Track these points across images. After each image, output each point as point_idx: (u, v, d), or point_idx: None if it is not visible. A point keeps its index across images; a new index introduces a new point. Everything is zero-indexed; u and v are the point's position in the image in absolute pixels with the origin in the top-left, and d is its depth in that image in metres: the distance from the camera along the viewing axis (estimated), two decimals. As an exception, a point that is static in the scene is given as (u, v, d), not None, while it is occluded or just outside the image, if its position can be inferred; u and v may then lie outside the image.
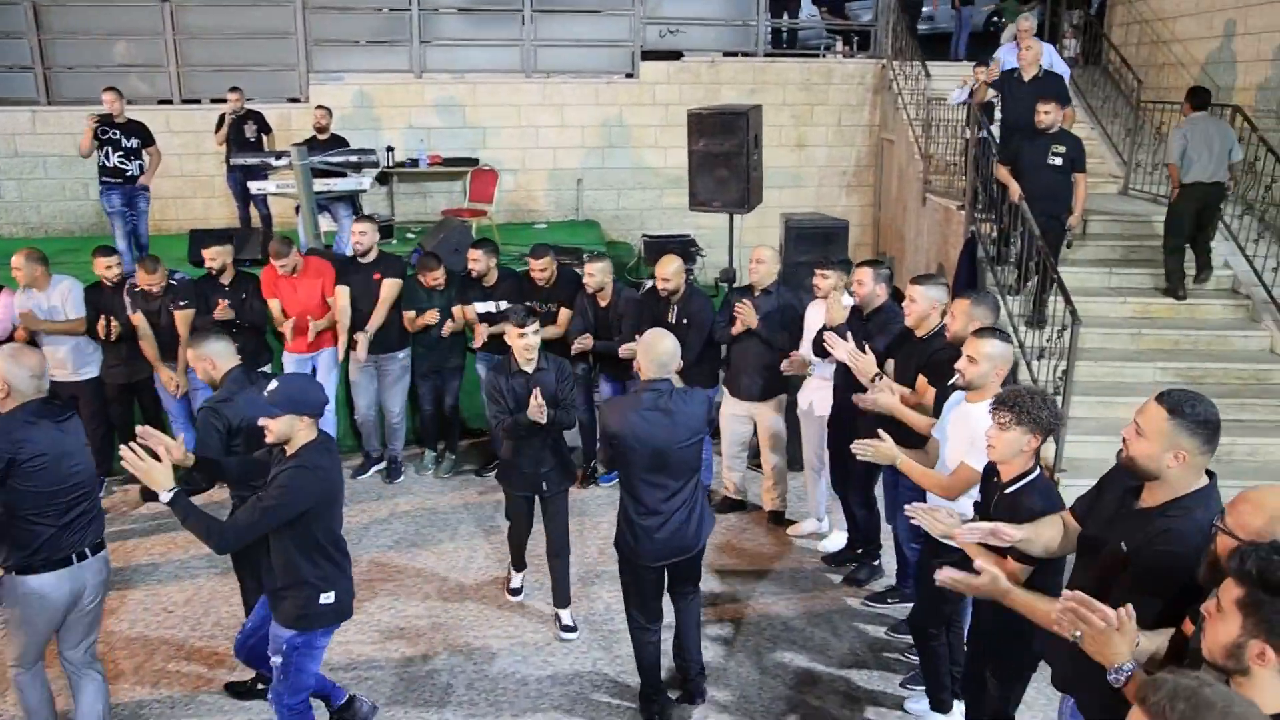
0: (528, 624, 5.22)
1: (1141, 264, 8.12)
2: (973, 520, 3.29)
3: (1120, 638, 2.36)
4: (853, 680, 4.73)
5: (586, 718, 4.46)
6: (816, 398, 5.86)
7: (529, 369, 4.92)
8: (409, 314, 6.82)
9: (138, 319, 6.44)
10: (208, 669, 4.81)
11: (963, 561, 3.20)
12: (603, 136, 11.67)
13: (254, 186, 8.32)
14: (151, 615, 5.34)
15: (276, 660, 3.78)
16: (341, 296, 6.76)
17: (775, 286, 6.01)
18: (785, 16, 12.76)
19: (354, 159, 8.30)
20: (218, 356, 4.46)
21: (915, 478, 3.97)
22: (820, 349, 5.46)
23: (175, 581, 5.69)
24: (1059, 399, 6.14)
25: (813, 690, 4.66)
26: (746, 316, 5.85)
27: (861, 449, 3.92)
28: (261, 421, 3.63)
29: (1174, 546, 2.61)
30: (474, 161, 11.20)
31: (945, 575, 3.05)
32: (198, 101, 11.06)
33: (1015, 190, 7.15)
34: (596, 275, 6.42)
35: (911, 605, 5.14)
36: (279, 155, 8.10)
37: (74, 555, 3.76)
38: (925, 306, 4.72)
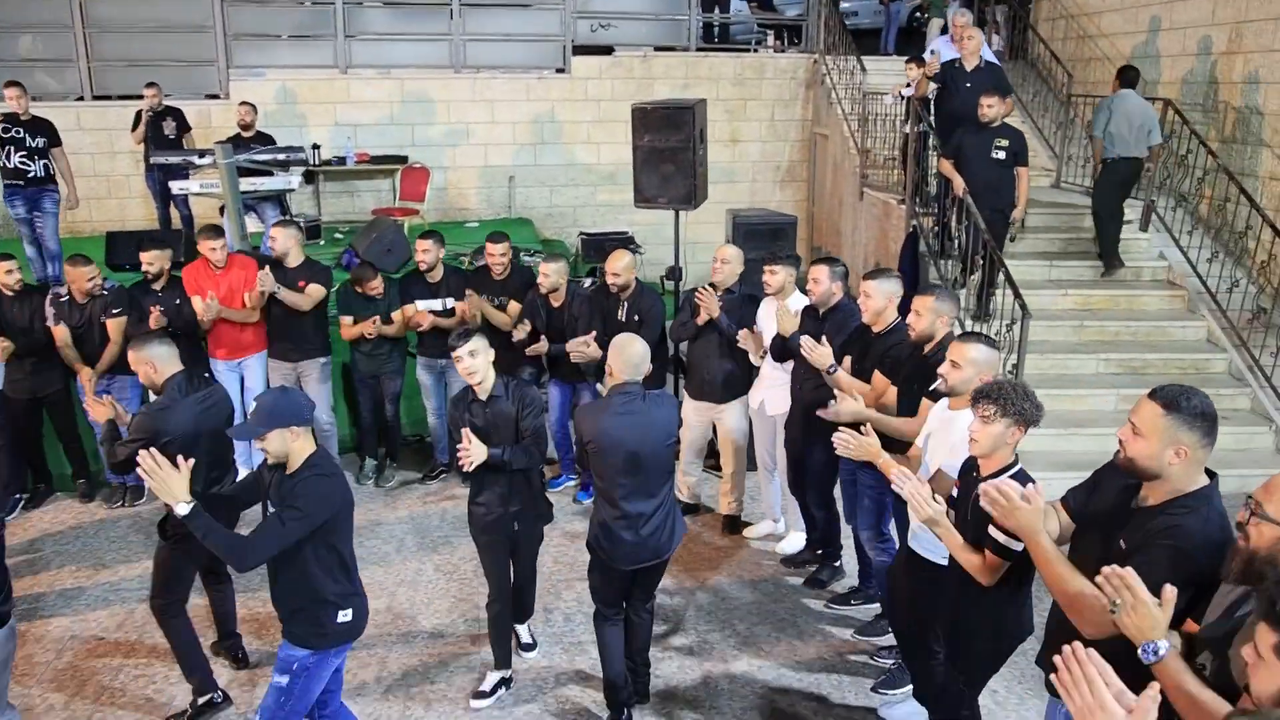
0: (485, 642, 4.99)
1: (1079, 256, 8.24)
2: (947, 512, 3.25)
3: (1160, 614, 2.28)
4: (823, 686, 4.63)
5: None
6: (769, 396, 5.74)
7: (483, 396, 4.31)
8: (346, 320, 6.56)
9: (60, 331, 6.05)
10: (145, 699, 4.52)
11: (955, 582, 3.09)
12: (535, 133, 11.45)
13: (176, 186, 7.90)
14: (80, 644, 5.00)
15: (282, 681, 3.53)
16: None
17: (737, 286, 5.89)
18: (716, 11, 12.71)
19: (281, 157, 7.92)
20: (159, 360, 4.23)
21: (893, 477, 3.85)
22: (780, 354, 5.36)
23: (105, 606, 5.35)
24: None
25: (784, 697, 4.55)
26: (709, 304, 5.70)
27: (843, 443, 3.80)
28: (255, 443, 3.44)
29: (1179, 542, 2.54)
30: (404, 159, 10.89)
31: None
32: (109, 98, 10.53)
33: (959, 184, 7.15)
34: (551, 276, 6.22)
35: (877, 608, 5.10)
36: (202, 154, 7.70)
37: None
38: (881, 301, 4.65)
